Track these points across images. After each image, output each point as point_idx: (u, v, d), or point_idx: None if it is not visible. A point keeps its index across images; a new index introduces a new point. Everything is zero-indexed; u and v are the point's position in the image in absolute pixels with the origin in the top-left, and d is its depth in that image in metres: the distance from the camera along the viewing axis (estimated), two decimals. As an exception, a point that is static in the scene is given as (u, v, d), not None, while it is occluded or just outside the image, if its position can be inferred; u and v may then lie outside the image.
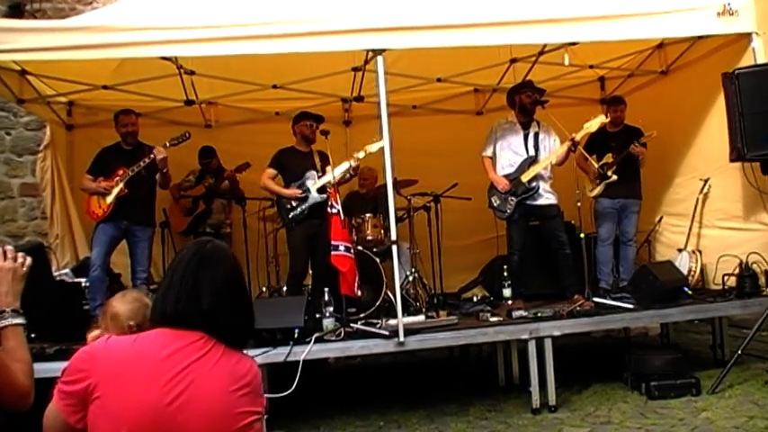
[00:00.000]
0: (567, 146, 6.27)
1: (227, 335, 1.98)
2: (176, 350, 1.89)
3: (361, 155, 6.15)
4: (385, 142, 5.36)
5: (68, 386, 1.88)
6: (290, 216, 6.39)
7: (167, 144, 6.35)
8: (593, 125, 6.29)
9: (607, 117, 6.45)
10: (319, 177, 6.39)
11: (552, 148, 6.49)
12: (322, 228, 6.39)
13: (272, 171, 6.56)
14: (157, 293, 2.06)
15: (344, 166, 6.20)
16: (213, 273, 2.01)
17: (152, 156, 6.18)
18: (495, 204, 6.55)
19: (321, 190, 6.36)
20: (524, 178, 6.39)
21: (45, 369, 2.52)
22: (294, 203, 6.36)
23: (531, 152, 6.48)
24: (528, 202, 6.43)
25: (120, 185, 6.19)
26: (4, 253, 2.20)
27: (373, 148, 6.04)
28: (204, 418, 1.85)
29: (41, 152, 7.57)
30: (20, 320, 2.15)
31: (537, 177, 6.40)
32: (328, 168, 6.30)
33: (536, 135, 6.52)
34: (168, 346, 1.90)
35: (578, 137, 6.25)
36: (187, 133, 6.49)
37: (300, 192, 6.34)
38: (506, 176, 6.48)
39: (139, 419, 1.81)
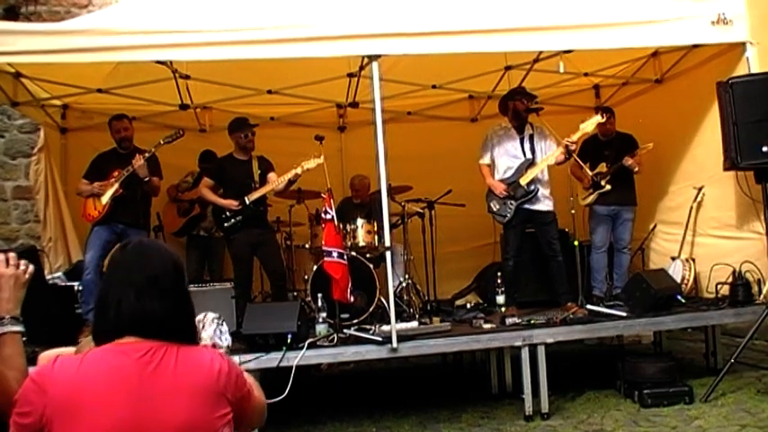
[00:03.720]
0: (561, 150, 6.27)
1: (181, 328, 1.93)
2: (126, 370, 1.80)
3: (297, 171, 6.17)
4: (380, 148, 5.36)
5: (21, 419, 1.78)
6: (224, 226, 6.40)
7: (161, 142, 6.32)
8: (588, 125, 6.30)
9: (603, 118, 6.46)
10: (255, 188, 6.38)
11: (547, 149, 6.49)
12: (266, 236, 6.49)
13: (209, 181, 6.59)
14: (101, 305, 1.95)
15: (281, 179, 6.26)
16: (156, 265, 1.95)
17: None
18: (494, 209, 6.52)
19: (258, 202, 6.36)
20: (523, 181, 6.37)
21: (36, 373, 2.49)
22: (228, 214, 6.35)
23: (528, 155, 6.48)
24: (527, 206, 6.40)
25: (116, 186, 6.17)
26: (7, 260, 2.19)
27: (310, 164, 6.14)
28: None
29: (35, 155, 7.55)
30: (19, 328, 2.13)
31: (535, 180, 6.39)
32: (270, 176, 6.38)
33: (531, 137, 6.51)
34: (118, 367, 1.80)
35: (575, 137, 6.26)
36: (180, 131, 6.45)
37: (237, 203, 6.32)
38: (505, 181, 6.48)
39: None
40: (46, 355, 2.19)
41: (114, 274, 1.97)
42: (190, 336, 1.97)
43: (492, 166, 6.62)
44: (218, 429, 1.83)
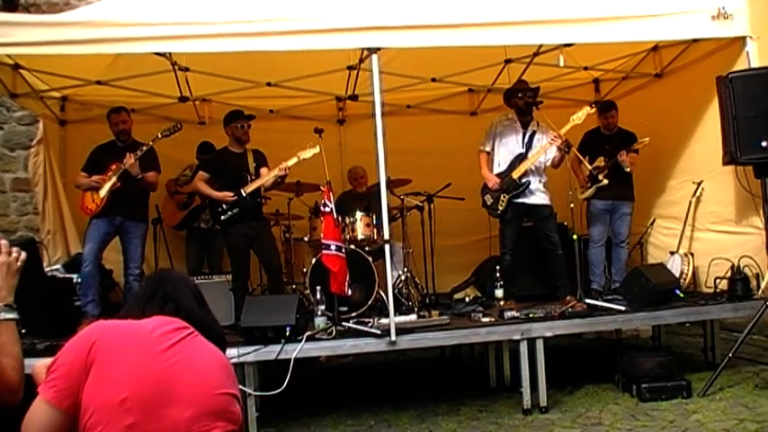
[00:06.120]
0: (555, 144, 6.26)
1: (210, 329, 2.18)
2: (168, 329, 1.99)
3: (292, 162, 6.18)
4: (379, 141, 5.35)
5: (61, 369, 1.86)
6: (221, 219, 6.36)
7: (159, 135, 6.31)
8: (579, 117, 6.31)
9: (592, 108, 6.46)
10: (251, 180, 6.35)
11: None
12: (261, 229, 6.47)
13: (204, 174, 6.53)
14: (136, 302, 2.21)
15: (274, 173, 6.25)
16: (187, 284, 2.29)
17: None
18: (488, 203, 6.54)
19: (254, 194, 6.34)
20: (515, 175, 6.40)
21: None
22: (225, 206, 6.31)
23: (523, 150, 6.49)
24: (520, 200, 6.43)
25: (114, 179, 6.15)
26: None
27: (306, 154, 6.12)
28: (197, 386, 1.90)
29: (34, 147, 7.54)
30: (13, 315, 2.13)
31: (527, 173, 6.41)
32: (262, 171, 6.36)
33: (533, 134, 6.53)
34: (161, 324, 2.00)
35: (565, 130, 6.27)
36: (179, 124, 6.44)
37: (232, 195, 6.28)
38: (499, 174, 6.49)
39: (138, 381, 1.84)
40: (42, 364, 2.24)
41: (167, 278, 2.27)
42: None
43: (491, 155, 6.63)
44: (233, 402, 1.97)
